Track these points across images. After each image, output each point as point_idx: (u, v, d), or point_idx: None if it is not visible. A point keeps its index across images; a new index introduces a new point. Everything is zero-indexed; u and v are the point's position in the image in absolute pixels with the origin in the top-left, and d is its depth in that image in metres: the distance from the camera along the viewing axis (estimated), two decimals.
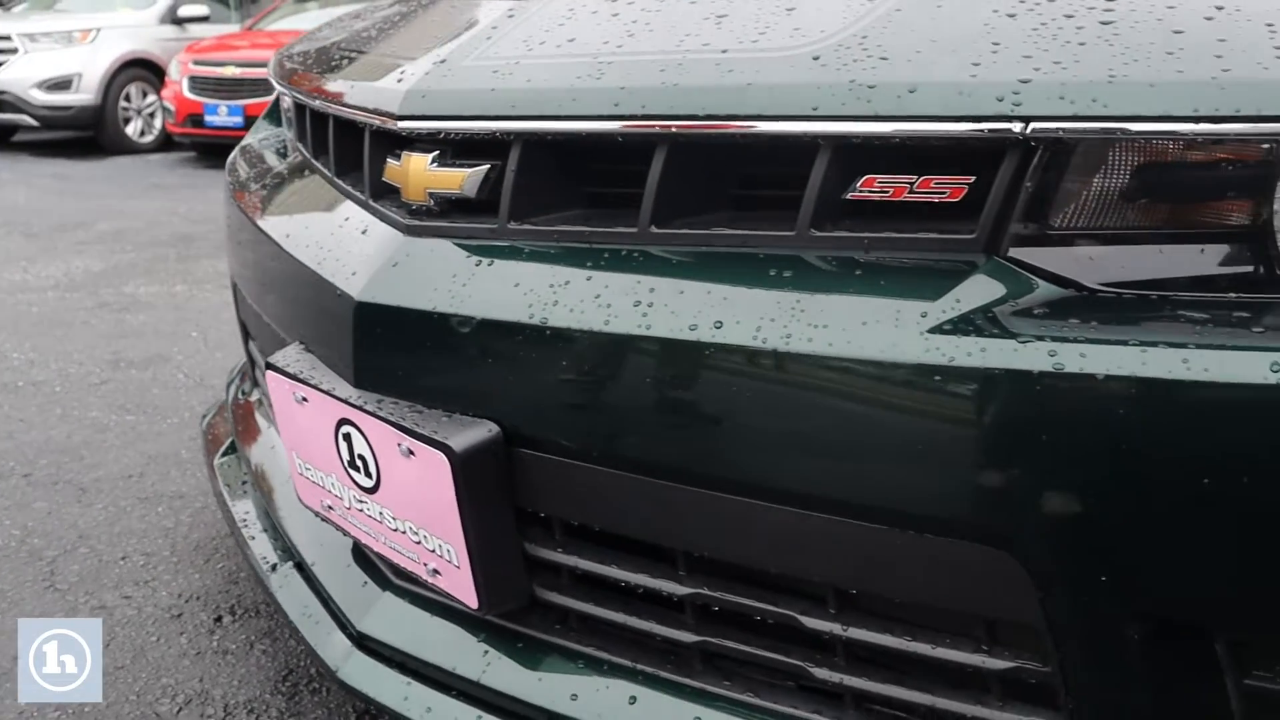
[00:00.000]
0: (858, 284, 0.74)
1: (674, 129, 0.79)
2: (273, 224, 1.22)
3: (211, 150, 7.25)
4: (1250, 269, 0.70)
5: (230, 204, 1.44)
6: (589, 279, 0.83)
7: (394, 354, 0.93)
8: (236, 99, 6.79)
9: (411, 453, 0.89)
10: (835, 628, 0.79)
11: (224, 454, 1.55)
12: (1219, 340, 0.65)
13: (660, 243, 0.82)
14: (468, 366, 0.88)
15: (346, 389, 0.96)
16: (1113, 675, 0.71)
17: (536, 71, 0.87)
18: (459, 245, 0.91)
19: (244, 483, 1.44)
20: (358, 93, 1.04)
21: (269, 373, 1.06)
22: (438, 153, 0.92)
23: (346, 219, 1.07)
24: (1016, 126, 0.68)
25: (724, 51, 0.80)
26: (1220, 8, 0.71)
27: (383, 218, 1.00)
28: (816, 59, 0.76)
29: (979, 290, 0.71)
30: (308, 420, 1.03)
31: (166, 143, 7.72)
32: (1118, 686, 0.71)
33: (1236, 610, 0.69)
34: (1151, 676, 0.71)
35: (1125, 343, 0.66)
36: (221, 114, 6.84)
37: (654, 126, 0.80)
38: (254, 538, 1.30)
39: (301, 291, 1.07)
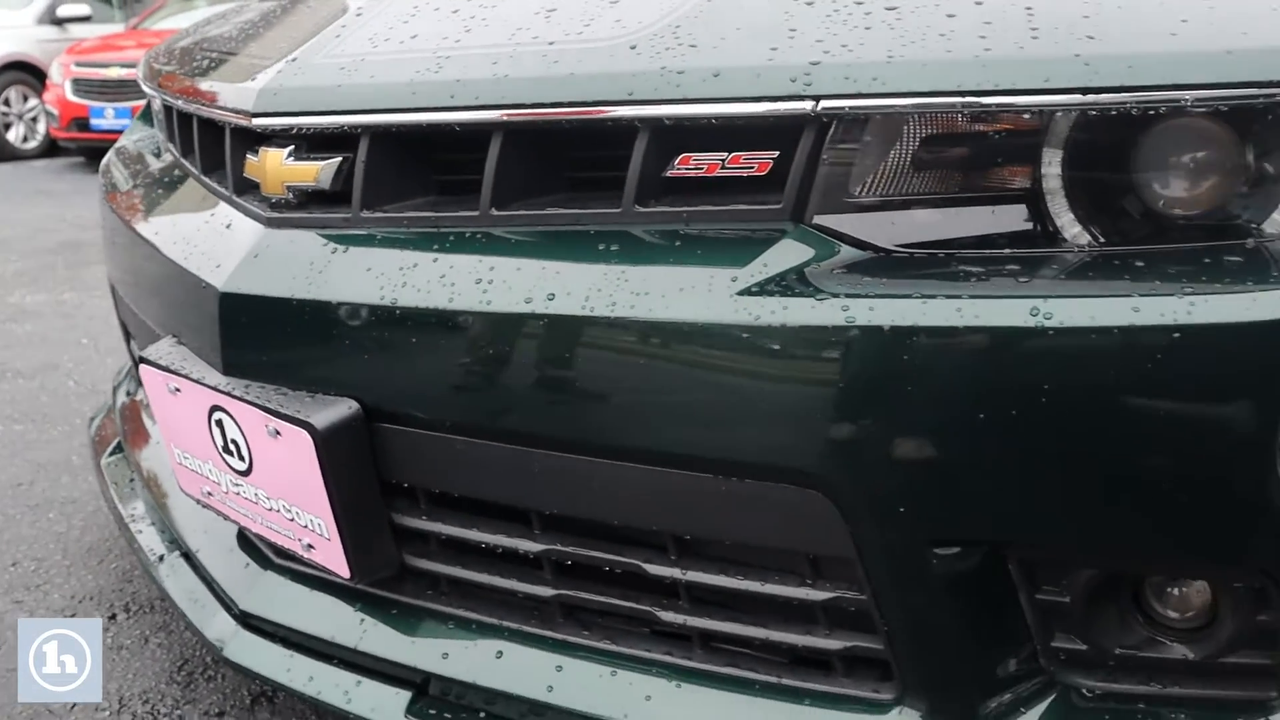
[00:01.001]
0: (677, 254, 0.81)
1: (505, 118, 0.84)
2: (144, 224, 1.24)
3: (100, 154, 7.05)
4: (1028, 227, 0.79)
5: (104, 206, 1.45)
6: (435, 260, 0.88)
7: (259, 340, 0.97)
8: (123, 100, 6.59)
9: (278, 433, 0.94)
10: (676, 573, 0.86)
11: (111, 454, 1.56)
12: (989, 291, 0.73)
13: (500, 224, 0.88)
14: (327, 348, 0.93)
15: (216, 377, 1.00)
16: (918, 598, 0.79)
17: (380, 67, 0.92)
18: (317, 235, 0.96)
19: (131, 481, 1.45)
20: (218, 93, 1.07)
21: (143, 366, 1.09)
22: (293, 147, 0.96)
23: (213, 215, 1.10)
24: (808, 105, 0.76)
25: (551, 43, 0.86)
26: None
27: (246, 212, 1.03)
28: (634, 48, 0.82)
29: (785, 255, 0.78)
30: (182, 410, 1.06)
31: (52, 148, 7.46)
32: (924, 607, 0.80)
33: (1021, 531, 0.77)
34: (954, 596, 0.79)
35: (909, 296, 0.74)
36: (108, 117, 6.64)
37: (487, 115, 0.85)
38: (142, 532, 1.32)
39: (172, 287, 1.10)
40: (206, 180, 1.17)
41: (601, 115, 0.81)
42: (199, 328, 1.03)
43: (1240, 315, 0.69)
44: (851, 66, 0.75)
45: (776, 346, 0.75)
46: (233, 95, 1.03)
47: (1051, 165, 0.77)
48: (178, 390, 1.05)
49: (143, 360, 1.09)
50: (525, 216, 0.87)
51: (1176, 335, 0.68)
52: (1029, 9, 0.76)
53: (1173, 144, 0.76)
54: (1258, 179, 0.76)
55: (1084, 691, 0.83)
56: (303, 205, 0.98)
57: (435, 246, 0.89)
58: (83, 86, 6.81)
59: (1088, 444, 0.71)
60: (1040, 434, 0.72)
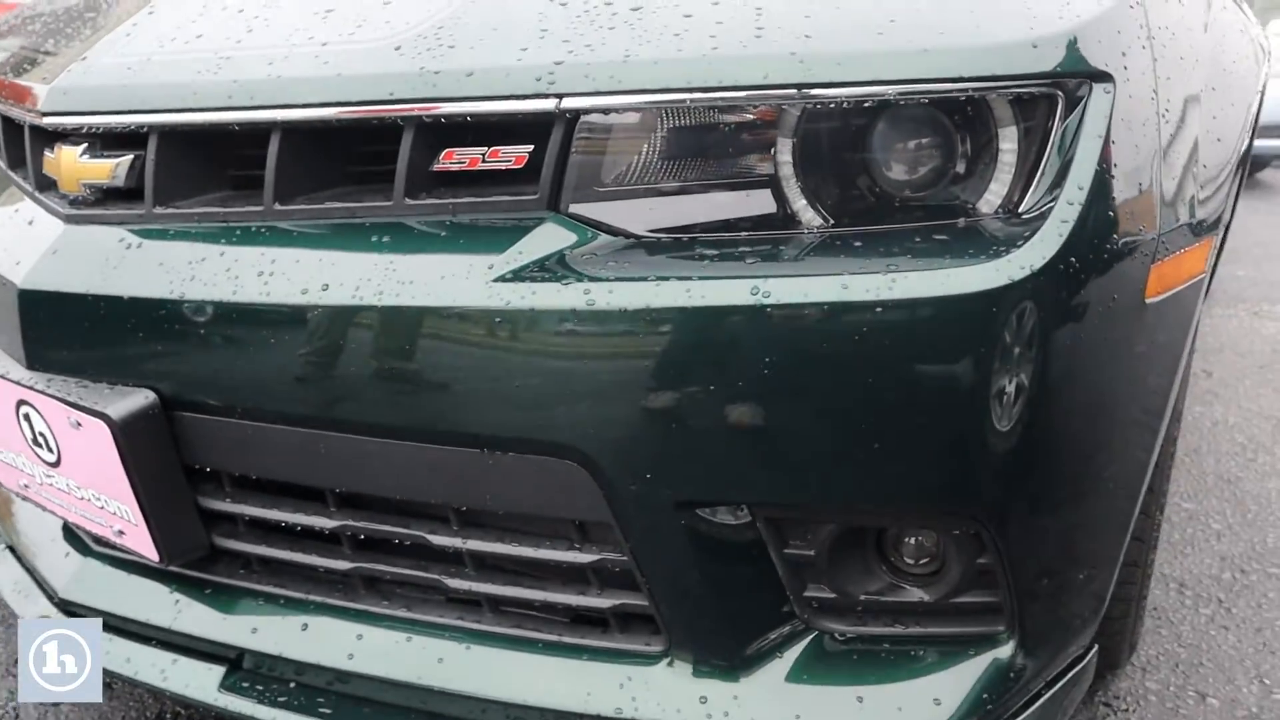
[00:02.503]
0: (442, 244, 0.86)
1: (280, 118, 0.88)
2: None
3: None
4: (767, 211, 0.85)
5: None
6: (222, 254, 0.91)
7: (59, 335, 0.99)
8: None
9: (79, 424, 0.96)
10: (458, 542, 0.91)
11: None
12: (718, 272, 0.80)
13: (283, 219, 0.92)
14: (124, 341, 0.95)
15: (20, 371, 1.02)
16: (672, 557, 0.86)
17: (164, 68, 0.95)
18: (113, 231, 0.98)
19: None
20: (14, 91, 1.09)
21: None
22: (86, 145, 0.99)
23: (17, 211, 1.11)
24: (551, 104, 0.81)
25: (324, 44, 0.90)
26: None
27: (46, 209, 1.05)
28: (398, 49, 0.87)
29: (540, 243, 0.84)
30: None
31: None
32: (679, 566, 0.87)
33: (759, 493, 0.85)
34: (706, 555, 0.87)
35: (647, 279, 0.80)
36: None
37: (263, 115, 0.89)
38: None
39: None
40: (13, 176, 1.18)
41: (366, 115, 0.86)
42: (1, 323, 1.05)
43: (935, 289, 0.76)
44: (591, 66, 0.81)
45: (527, 329, 0.81)
46: (27, 96, 1.05)
47: (784, 153, 0.83)
48: None
49: None
50: (305, 211, 0.91)
51: (879, 310, 0.76)
52: (758, 10, 0.83)
53: (892, 131, 0.83)
54: (970, 163, 0.84)
55: (836, 635, 0.92)
56: (100, 202, 1.00)
57: (223, 241, 0.93)
58: None
59: (809, 411, 0.79)
60: (767, 403, 0.80)
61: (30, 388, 1.00)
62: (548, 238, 0.84)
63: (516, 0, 0.90)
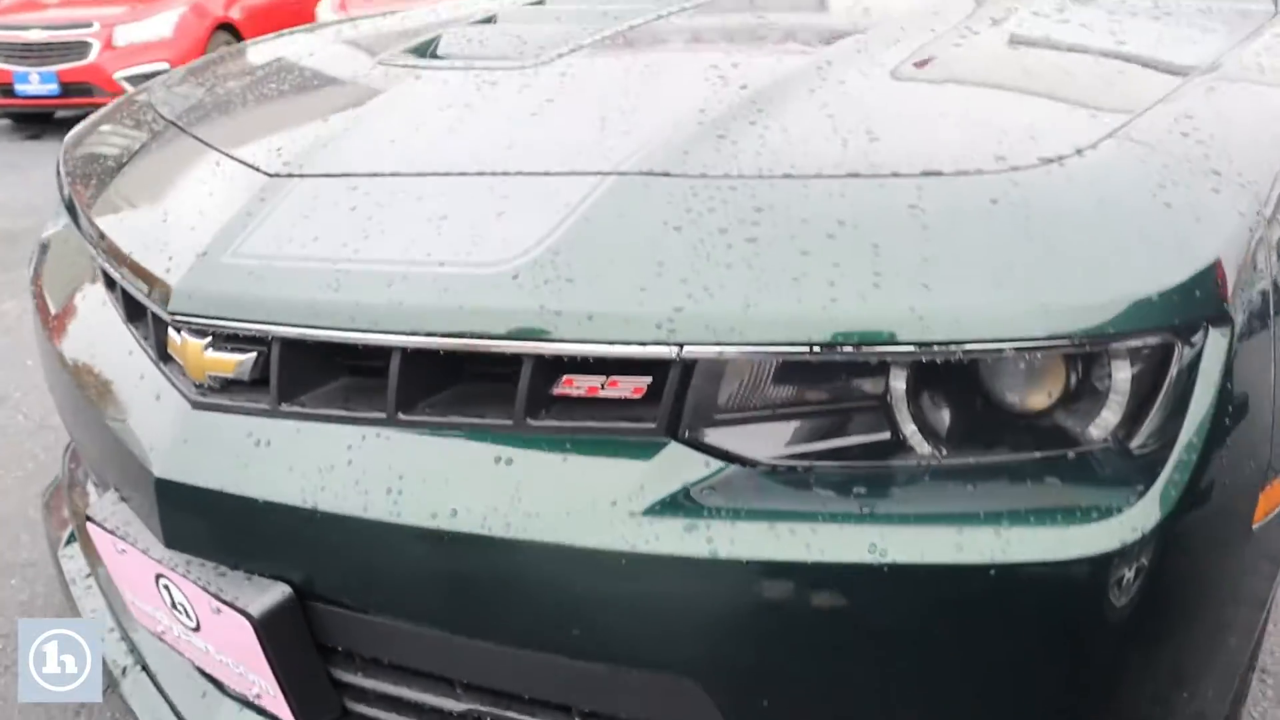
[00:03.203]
0: (564, 472, 0.89)
1: (402, 342, 0.92)
2: (74, 361, 1.30)
3: (29, 119, 6.83)
4: (879, 437, 0.88)
5: (36, 318, 1.50)
6: (350, 464, 0.96)
7: (196, 522, 1.05)
8: (47, 65, 6.41)
9: (219, 610, 1.03)
10: None
11: (68, 543, 1.63)
12: (834, 511, 0.83)
13: (406, 427, 0.96)
14: (259, 538, 1.01)
15: (159, 549, 1.08)
16: None
17: (286, 279, 0.98)
18: (240, 423, 1.03)
19: (89, 577, 1.53)
20: (132, 267, 1.13)
21: (90, 525, 1.16)
22: (211, 338, 1.03)
23: (141, 377, 1.16)
24: (673, 351, 0.84)
25: (442, 265, 0.93)
26: (841, 222, 0.87)
27: (172, 383, 1.10)
28: (516, 279, 0.89)
29: (660, 474, 0.87)
30: (130, 568, 1.15)
31: None
32: None
33: None
34: None
35: (765, 520, 0.83)
36: (33, 82, 6.44)
37: (386, 339, 0.92)
38: (103, 639, 1.41)
39: (108, 445, 1.17)
40: (131, 327, 1.23)
41: (489, 349, 0.89)
42: (137, 497, 1.11)
43: (1048, 553, 0.79)
44: (711, 316, 0.83)
45: (651, 569, 0.85)
46: (147, 282, 1.09)
47: (897, 383, 0.86)
48: (124, 552, 1.13)
49: (89, 519, 1.16)
50: (428, 422, 0.95)
51: (992, 572, 0.79)
52: (876, 248, 0.84)
53: (1005, 368, 0.86)
54: (1082, 393, 0.86)
55: None
56: (225, 389, 1.05)
57: (349, 446, 0.97)
58: (3, 50, 6.58)
59: (920, 663, 0.83)
60: (876, 653, 0.84)
61: (170, 568, 1.06)
62: (668, 469, 0.87)
63: (630, 222, 0.92)
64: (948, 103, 1.06)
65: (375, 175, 1.05)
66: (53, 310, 1.47)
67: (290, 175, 1.09)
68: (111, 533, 1.13)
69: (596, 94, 1.11)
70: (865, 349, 0.82)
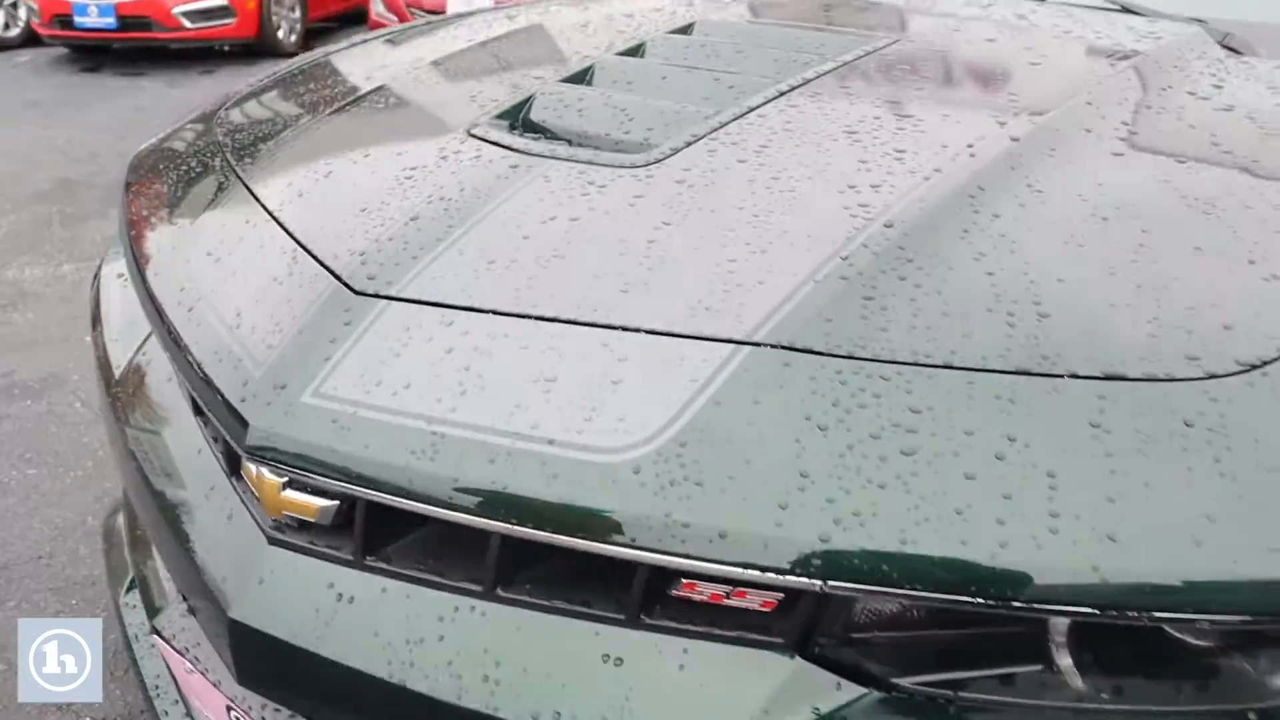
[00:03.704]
0: (680, 682, 0.81)
1: (505, 530, 0.83)
2: (138, 443, 1.23)
3: (87, 50, 6.75)
4: (1032, 669, 0.79)
5: (98, 377, 1.43)
6: (441, 639, 0.88)
7: (270, 668, 0.98)
8: None
9: None
10: None
11: (129, 589, 1.59)
12: None
13: (504, 603, 0.88)
14: (341, 701, 0.94)
15: (231, 684, 1.02)
16: None
17: (374, 435, 0.89)
18: (320, 570, 0.95)
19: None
20: (200, 375, 1.04)
21: (156, 638, 1.11)
22: (289, 480, 0.95)
23: (212, 488, 1.09)
24: (816, 584, 0.75)
25: (551, 443, 0.84)
26: (1011, 439, 0.77)
27: (245, 505, 1.03)
28: (637, 473, 0.80)
29: (788, 695, 0.79)
30: (201, 688, 1.09)
31: (33, 37, 7.17)
32: None
33: None
34: None
35: None
36: (92, 14, 6.34)
37: (486, 523, 0.84)
38: (166, 712, 1.37)
39: (174, 551, 1.10)
40: (199, 423, 1.16)
41: (604, 553, 0.80)
42: (208, 622, 1.04)
43: None
44: (860, 553, 0.74)
45: None
46: (218, 397, 1.01)
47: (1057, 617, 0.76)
48: (193, 673, 1.07)
49: (156, 632, 1.10)
50: (530, 603, 0.87)
51: None
52: (1052, 480, 0.74)
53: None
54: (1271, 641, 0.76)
55: None
56: (303, 528, 0.97)
57: (441, 618, 0.89)
58: None
59: None
60: None
61: (244, 708, 1.00)
62: (796, 690, 0.79)
63: (768, 410, 0.82)
64: (1123, 255, 0.94)
65: (473, 310, 0.95)
66: (115, 369, 1.40)
67: (378, 296, 0.99)
68: (180, 653, 1.07)
69: (720, 217, 1.00)
70: (1037, 606, 0.72)
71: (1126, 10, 1.71)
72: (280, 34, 8.12)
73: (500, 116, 1.27)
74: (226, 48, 7.81)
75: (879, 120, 1.16)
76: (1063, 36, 1.51)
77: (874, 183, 1.02)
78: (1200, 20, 1.67)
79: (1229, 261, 0.94)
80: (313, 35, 8.78)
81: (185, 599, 1.13)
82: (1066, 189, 1.03)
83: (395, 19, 7.32)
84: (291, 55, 8.28)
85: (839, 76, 1.29)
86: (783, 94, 1.23)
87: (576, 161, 1.12)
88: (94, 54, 7.00)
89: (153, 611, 1.34)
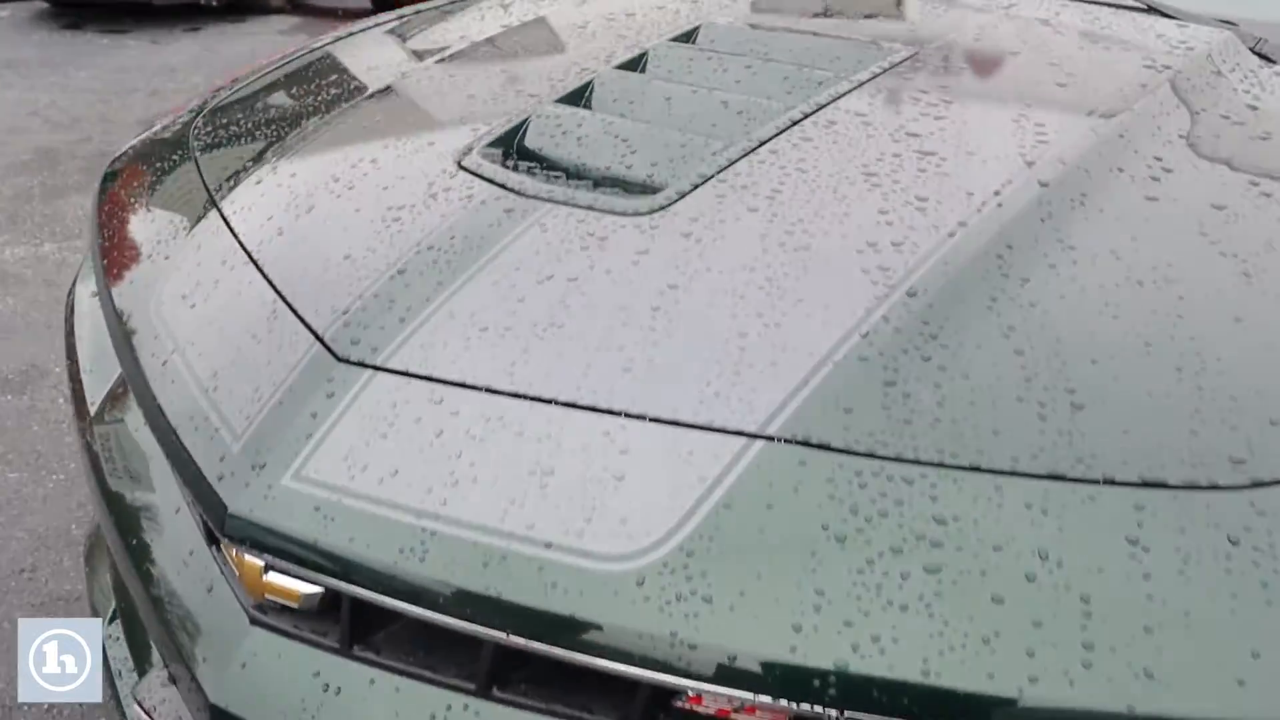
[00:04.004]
0: None
1: (498, 640, 0.78)
2: (117, 502, 1.17)
3: (69, 5, 6.54)
4: None
5: (74, 425, 1.37)
6: None
7: None
8: None
9: None
10: None
11: (113, 619, 1.54)
12: None
13: (499, 703, 0.83)
14: None
15: None
16: None
17: (360, 524, 0.84)
18: (306, 656, 0.90)
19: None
20: (175, 440, 0.98)
21: (137, 708, 1.06)
22: (268, 565, 0.89)
23: (191, 554, 1.03)
24: (831, 713, 0.70)
25: (548, 546, 0.78)
26: (1043, 556, 0.72)
27: (226, 579, 0.97)
28: (640, 585, 0.75)
29: None
30: None
31: None
32: None
33: None
34: None
35: None
36: None
37: (478, 630, 0.79)
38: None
39: (157, 622, 1.05)
40: (175, 478, 1.10)
41: (606, 669, 0.75)
42: (190, 699, 0.99)
43: None
44: (880, 683, 0.68)
45: None
46: (193, 468, 0.95)
47: None
48: None
49: (137, 701, 1.06)
50: (525, 705, 0.82)
51: None
52: (1085, 601, 0.69)
53: None
54: None
55: None
56: (289, 609, 0.92)
57: (433, 717, 0.84)
58: None
59: None
60: None
61: None
62: None
63: (782, 515, 0.76)
64: (1161, 329, 0.87)
65: (464, 387, 0.89)
66: (90, 405, 1.33)
67: (363, 364, 0.93)
68: None
69: (729, 280, 0.93)
70: None
71: (1154, 10, 1.62)
72: None
73: (493, 144, 1.20)
74: (215, 2, 7.60)
75: (898, 159, 1.08)
76: (1090, 48, 1.43)
77: (895, 240, 0.96)
78: (1231, 23, 1.59)
79: (1273, 336, 0.88)
80: None
81: (165, 664, 1.08)
82: (1099, 244, 0.97)
83: None
84: (279, 11, 8.10)
85: (854, 100, 1.21)
86: (795, 123, 1.16)
87: (576, 206, 1.04)
88: (76, 9, 6.80)
89: (138, 659, 1.30)
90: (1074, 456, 0.76)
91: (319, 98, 1.52)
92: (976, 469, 0.76)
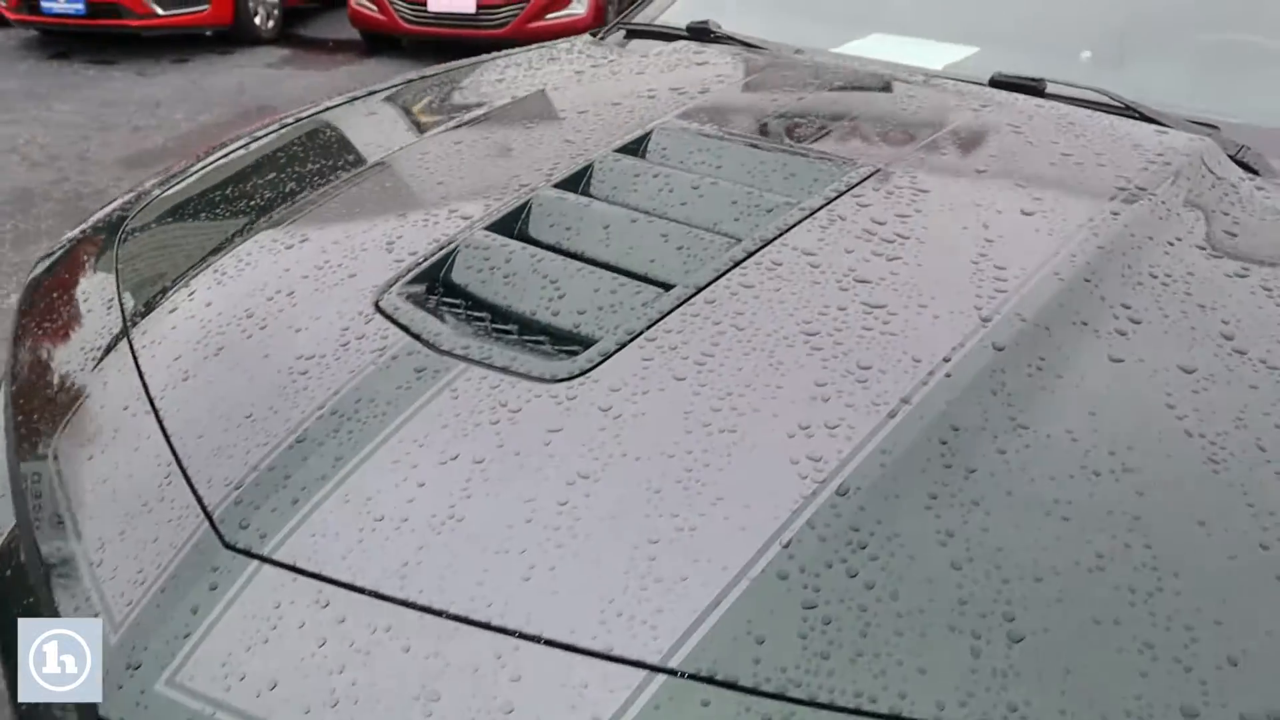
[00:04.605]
0: None
1: None
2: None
3: (58, 35, 6.51)
4: None
5: None
6: None
7: None
8: None
9: None
10: None
11: None
12: None
13: None
14: None
15: None
16: None
17: None
18: None
19: None
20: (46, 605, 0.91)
21: None
22: None
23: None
24: None
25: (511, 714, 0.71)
26: None
27: None
28: None
29: None
30: None
31: (2, 20, 6.92)
32: None
33: None
34: None
35: None
36: (60, 0, 6.09)
37: None
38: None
39: None
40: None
41: None
42: None
43: None
44: None
45: None
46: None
47: None
48: None
49: None
50: None
51: None
52: None
53: None
54: None
55: None
56: None
57: None
58: None
59: None
60: None
61: None
62: None
63: None
64: (1115, 539, 0.80)
65: (352, 589, 0.81)
66: None
67: (250, 553, 0.85)
68: None
69: (647, 469, 0.86)
70: None
71: (1131, 112, 1.55)
72: (257, 20, 7.86)
73: (416, 280, 1.13)
74: (209, 33, 7.58)
75: (844, 313, 1.01)
76: (1061, 162, 1.36)
77: (830, 421, 0.88)
78: (1212, 126, 1.52)
79: (1235, 544, 0.80)
80: (293, 18, 8.52)
81: None
82: (1055, 423, 0.89)
83: (375, 8, 7.10)
84: (269, 42, 8.04)
85: (803, 234, 1.14)
86: (738, 263, 1.09)
87: (491, 368, 0.97)
88: (64, 39, 6.76)
89: None
90: (1007, 704, 0.69)
91: (249, 202, 1.45)
92: (897, 718, 0.69)
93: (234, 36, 7.68)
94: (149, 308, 1.22)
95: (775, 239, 1.13)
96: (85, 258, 1.44)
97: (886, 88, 1.66)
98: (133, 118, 5.19)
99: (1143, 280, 1.10)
